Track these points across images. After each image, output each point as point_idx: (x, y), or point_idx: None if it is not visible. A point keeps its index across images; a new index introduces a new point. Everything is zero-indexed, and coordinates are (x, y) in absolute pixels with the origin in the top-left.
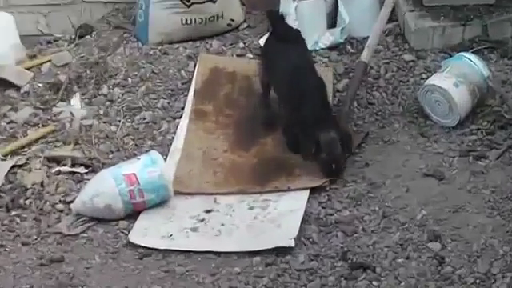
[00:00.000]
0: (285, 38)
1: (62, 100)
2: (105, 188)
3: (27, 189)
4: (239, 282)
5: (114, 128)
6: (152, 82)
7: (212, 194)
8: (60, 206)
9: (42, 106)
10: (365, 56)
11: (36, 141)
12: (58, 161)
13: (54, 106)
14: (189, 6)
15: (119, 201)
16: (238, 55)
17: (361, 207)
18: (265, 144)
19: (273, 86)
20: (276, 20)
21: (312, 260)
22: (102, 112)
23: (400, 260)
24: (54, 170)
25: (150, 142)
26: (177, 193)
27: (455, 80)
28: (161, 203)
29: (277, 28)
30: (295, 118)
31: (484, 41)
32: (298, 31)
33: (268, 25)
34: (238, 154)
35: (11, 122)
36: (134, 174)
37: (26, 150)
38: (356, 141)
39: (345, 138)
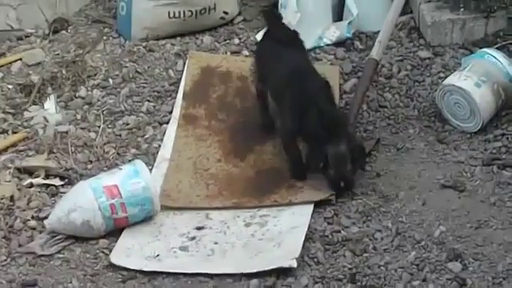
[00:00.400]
0: (281, 39)
1: (34, 103)
2: (83, 201)
3: None
4: None
5: (93, 135)
6: (136, 83)
7: (204, 208)
8: (32, 223)
9: (11, 111)
10: (375, 53)
11: (5, 149)
12: (30, 172)
13: (26, 110)
14: None
15: (99, 216)
16: (232, 52)
17: (371, 223)
18: (263, 152)
19: (269, 93)
20: (272, 20)
21: (317, 283)
22: (79, 117)
23: (416, 282)
24: (25, 183)
25: (133, 151)
26: (164, 208)
27: (477, 79)
28: (146, 219)
29: (272, 29)
30: (298, 128)
31: (509, 35)
32: (295, 32)
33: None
34: (233, 163)
35: None
36: (115, 186)
37: None
38: (366, 148)
39: (357, 151)
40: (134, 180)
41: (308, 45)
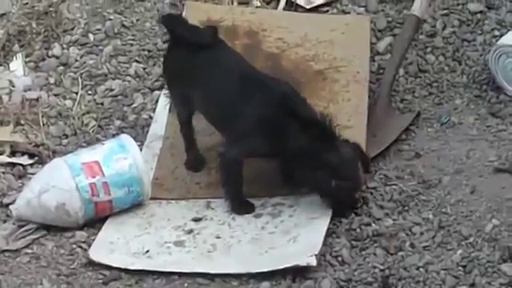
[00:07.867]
0: (197, 42)
1: None
2: (57, 180)
3: None
4: None
5: (69, 103)
6: (122, 40)
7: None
8: None
9: None
10: (417, 8)
11: None
12: None
13: None
14: None
15: (76, 198)
16: (240, 3)
17: (409, 214)
18: None
19: (206, 117)
20: (175, 25)
21: (341, 287)
22: (52, 80)
23: None
24: None
25: (118, 123)
26: (156, 199)
27: None
28: (133, 206)
29: (180, 33)
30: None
31: None
32: (213, 29)
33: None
34: None
35: None
36: (96, 163)
37: None
38: (403, 123)
39: (360, 153)
40: (118, 155)
41: None
